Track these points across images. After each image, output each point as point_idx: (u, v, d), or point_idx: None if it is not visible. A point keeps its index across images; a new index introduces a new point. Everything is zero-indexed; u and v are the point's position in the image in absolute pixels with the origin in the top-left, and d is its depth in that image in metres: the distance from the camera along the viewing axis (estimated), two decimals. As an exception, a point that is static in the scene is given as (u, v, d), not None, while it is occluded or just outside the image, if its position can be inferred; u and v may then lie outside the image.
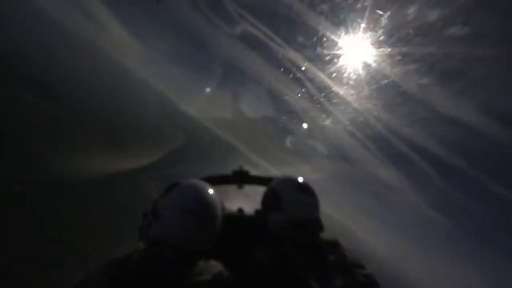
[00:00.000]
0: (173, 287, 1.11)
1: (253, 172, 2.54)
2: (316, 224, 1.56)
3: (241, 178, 2.50)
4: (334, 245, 1.48)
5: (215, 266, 1.28)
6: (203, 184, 1.40)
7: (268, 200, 1.69)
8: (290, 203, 1.55)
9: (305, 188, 1.61)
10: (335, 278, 1.31)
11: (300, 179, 1.66)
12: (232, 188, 2.55)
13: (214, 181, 2.45)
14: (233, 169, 2.53)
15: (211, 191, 1.38)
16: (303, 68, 14.13)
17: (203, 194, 1.32)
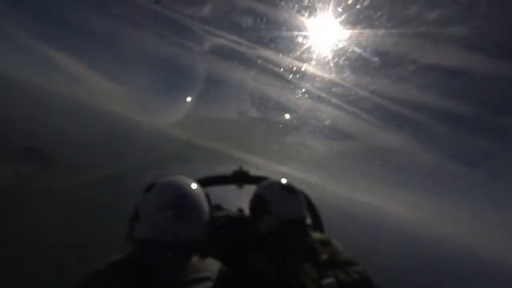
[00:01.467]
0: (173, 284, 1.12)
1: (253, 172, 2.53)
2: (304, 222, 1.60)
3: (241, 178, 2.51)
4: (326, 244, 1.51)
5: (214, 263, 1.29)
6: (181, 178, 1.39)
7: (255, 206, 1.72)
8: (277, 204, 1.59)
9: (289, 188, 1.66)
10: (328, 275, 1.32)
11: (284, 181, 1.71)
12: (232, 188, 2.55)
13: (214, 181, 2.50)
14: (233, 169, 2.53)
15: (189, 184, 1.37)
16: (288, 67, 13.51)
17: (179, 187, 1.31)
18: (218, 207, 2.42)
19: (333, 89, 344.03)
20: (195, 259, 1.26)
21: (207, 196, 1.44)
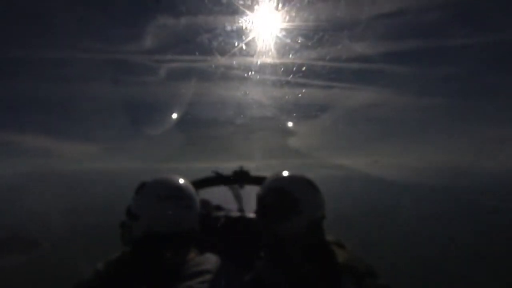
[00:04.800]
0: (173, 278, 1.16)
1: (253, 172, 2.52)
2: (323, 222, 1.45)
3: (241, 178, 2.49)
4: (340, 247, 1.41)
5: (213, 257, 1.34)
6: (170, 175, 1.44)
7: (283, 204, 1.40)
8: (308, 203, 1.38)
9: (315, 185, 1.46)
10: (347, 283, 1.22)
11: (305, 175, 1.49)
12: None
13: (215, 181, 2.50)
14: (233, 169, 2.52)
15: (179, 178, 1.43)
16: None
17: (173, 181, 1.38)
18: (218, 207, 2.43)
19: (293, 71, 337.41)
20: (194, 253, 1.32)
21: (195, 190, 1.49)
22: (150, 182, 1.35)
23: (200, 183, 2.39)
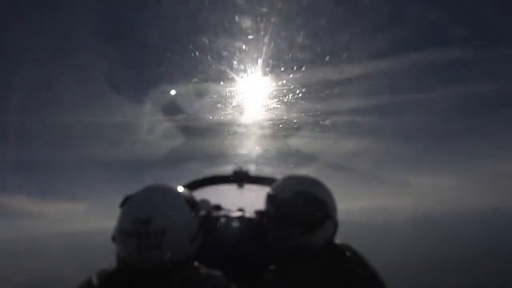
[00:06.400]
0: None
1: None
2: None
3: (241, 178, 2.49)
4: (346, 251, 1.31)
5: (217, 276, 1.20)
6: (155, 191, 1.22)
7: (316, 210, 1.26)
8: (333, 206, 1.31)
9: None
10: None
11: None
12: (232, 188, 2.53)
13: (214, 181, 2.47)
14: (233, 169, 2.52)
15: (161, 199, 1.18)
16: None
17: (144, 208, 1.12)
18: (218, 207, 2.39)
19: (281, 126, 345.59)
20: (195, 269, 1.18)
21: (193, 202, 1.25)
22: (130, 200, 1.16)
23: (200, 183, 2.38)
